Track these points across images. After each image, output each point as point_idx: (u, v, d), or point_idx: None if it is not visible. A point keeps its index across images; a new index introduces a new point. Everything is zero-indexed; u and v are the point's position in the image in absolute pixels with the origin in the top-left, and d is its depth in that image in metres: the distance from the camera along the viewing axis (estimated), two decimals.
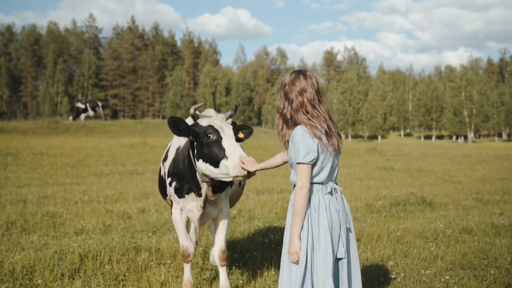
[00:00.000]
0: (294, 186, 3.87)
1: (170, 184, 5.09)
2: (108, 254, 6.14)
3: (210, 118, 4.63)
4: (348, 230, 4.00)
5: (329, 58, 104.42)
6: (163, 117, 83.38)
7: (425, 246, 7.28)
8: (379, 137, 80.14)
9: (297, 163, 3.73)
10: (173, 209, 5.22)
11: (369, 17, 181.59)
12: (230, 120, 6.40)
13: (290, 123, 3.90)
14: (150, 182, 14.57)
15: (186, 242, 5.22)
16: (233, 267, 6.21)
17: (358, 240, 7.55)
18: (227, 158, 4.35)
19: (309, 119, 3.82)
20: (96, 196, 11.57)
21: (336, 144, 3.90)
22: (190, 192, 4.97)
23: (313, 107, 3.86)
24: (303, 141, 3.72)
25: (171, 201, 5.26)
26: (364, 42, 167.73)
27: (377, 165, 22.06)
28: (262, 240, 7.45)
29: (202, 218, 5.12)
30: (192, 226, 6.43)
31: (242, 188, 5.88)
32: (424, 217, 9.60)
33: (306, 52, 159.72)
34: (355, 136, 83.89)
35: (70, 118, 39.68)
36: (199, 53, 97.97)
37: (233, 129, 4.67)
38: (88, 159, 20.44)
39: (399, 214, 9.88)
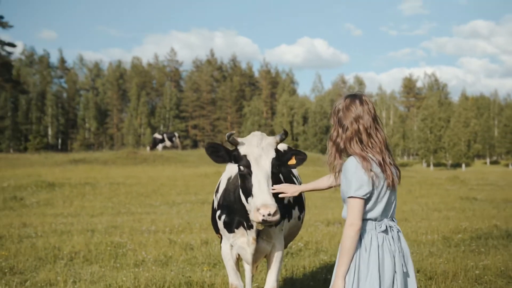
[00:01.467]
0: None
1: (219, 218, 4.78)
2: None
3: (250, 145, 4.28)
4: (406, 274, 3.53)
5: (409, 85, 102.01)
6: None
7: (507, 287, 6.54)
8: (463, 165, 76.74)
9: (348, 197, 3.37)
10: (222, 244, 4.88)
11: (450, 42, 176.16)
12: (285, 146, 6.03)
13: (343, 153, 3.55)
14: None
15: (235, 280, 4.86)
16: None
17: (430, 278, 6.91)
18: (252, 196, 4.07)
19: (362, 149, 3.46)
20: (163, 226, 11.50)
21: (391, 178, 3.49)
22: (240, 227, 4.61)
23: (369, 136, 3.50)
24: (356, 174, 3.37)
25: (221, 236, 4.93)
26: (445, 67, 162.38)
27: (459, 194, 20.84)
28: (325, 276, 6.97)
29: (254, 255, 4.70)
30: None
31: (302, 221, 5.45)
32: (508, 253, 8.74)
33: (385, 79, 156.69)
34: (437, 164, 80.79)
35: (148, 148, 40.71)
36: (276, 83, 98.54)
37: (287, 154, 4.41)
38: (162, 188, 20.65)
39: (480, 249, 9.05)
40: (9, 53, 66.55)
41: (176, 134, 41.12)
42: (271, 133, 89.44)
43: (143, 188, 20.60)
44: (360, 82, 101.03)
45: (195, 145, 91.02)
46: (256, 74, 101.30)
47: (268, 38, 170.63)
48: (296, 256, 8.61)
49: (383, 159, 3.48)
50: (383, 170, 3.45)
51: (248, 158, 4.18)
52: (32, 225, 11.48)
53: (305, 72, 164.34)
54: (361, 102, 3.54)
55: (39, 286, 6.37)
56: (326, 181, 4.05)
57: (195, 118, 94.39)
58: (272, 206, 3.91)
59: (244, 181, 4.19)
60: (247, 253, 4.65)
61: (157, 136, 40.49)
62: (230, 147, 4.43)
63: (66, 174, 24.32)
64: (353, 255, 3.39)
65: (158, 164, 32.29)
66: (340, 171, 3.52)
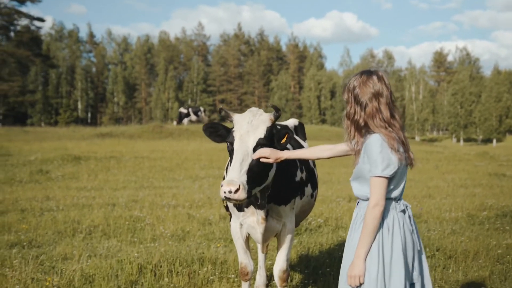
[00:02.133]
0: (359, 200, 3.49)
1: None
2: (170, 265, 5.85)
3: (242, 121, 4.13)
4: (420, 252, 3.48)
5: (439, 59, 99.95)
6: None
7: None
8: (494, 141, 75.30)
9: (374, 177, 3.25)
10: (232, 222, 4.78)
11: (483, 15, 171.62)
12: (296, 121, 5.87)
13: (364, 130, 3.41)
14: None
15: (245, 259, 4.78)
16: (300, 284, 5.69)
17: (450, 257, 6.74)
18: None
19: (386, 127, 3.33)
20: (184, 200, 11.49)
21: (411, 157, 3.43)
22: (250, 205, 4.48)
23: (391, 114, 3.38)
24: (382, 152, 3.25)
25: (231, 214, 4.83)
26: (478, 41, 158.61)
27: (487, 171, 20.38)
28: (341, 254, 6.82)
29: (264, 234, 4.58)
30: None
31: (314, 199, 5.29)
32: None
33: (415, 53, 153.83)
34: (467, 140, 79.43)
35: (174, 122, 40.84)
36: (304, 58, 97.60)
37: (281, 131, 4.19)
38: (186, 163, 20.68)
39: (505, 228, 8.81)
40: (38, 28, 67.13)
41: (202, 109, 41.09)
42: (298, 107, 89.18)
43: (167, 162, 20.66)
44: (389, 56, 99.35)
45: (222, 119, 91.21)
46: (284, 48, 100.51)
47: (296, 11, 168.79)
48: (314, 233, 8.51)
49: (404, 137, 3.40)
50: (406, 150, 3.38)
51: (234, 134, 4.07)
52: (55, 199, 11.59)
53: (333, 46, 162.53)
54: (379, 78, 3.42)
55: (54, 260, 6.40)
56: (324, 151, 3.89)
57: (222, 92, 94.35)
58: (234, 184, 3.78)
59: (230, 157, 4.13)
60: (257, 232, 4.55)
61: (183, 110, 40.52)
62: (230, 125, 4.30)
63: (93, 147, 24.53)
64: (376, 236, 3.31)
65: (183, 139, 32.37)
66: (359, 149, 3.41)
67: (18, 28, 65.90)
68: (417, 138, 71.00)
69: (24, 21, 65.30)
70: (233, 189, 3.76)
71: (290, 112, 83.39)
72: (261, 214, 4.43)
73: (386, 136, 3.28)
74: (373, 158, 3.25)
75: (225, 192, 3.76)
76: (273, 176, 4.25)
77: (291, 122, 5.85)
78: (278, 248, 4.77)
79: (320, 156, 3.92)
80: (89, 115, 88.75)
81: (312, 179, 5.10)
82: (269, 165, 4.09)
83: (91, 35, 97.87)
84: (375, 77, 3.41)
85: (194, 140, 31.71)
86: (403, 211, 3.42)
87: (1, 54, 60.57)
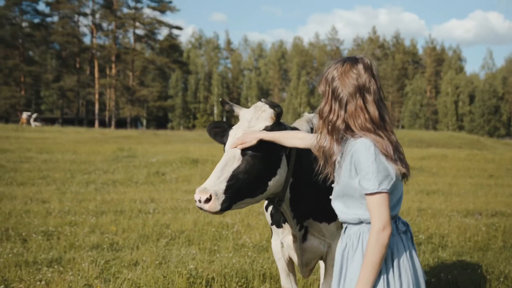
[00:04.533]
0: (347, 225, 2.78)
1: (266, 208, 4.02)
2: (221, 281, 5.46)
3: (242, 118, 3.55)
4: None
5: None
6: (402, 127, 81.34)
7: None
8: None
9: (371, 194, 2.57)
10: (272, 240, 4.17)
11: None
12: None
13: (342, 135, 2.71)
14: None
15: (287, 283, 4.16)
16: None
17: None
18: None
19: (374, 130, 2.62)
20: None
21: (407, 167, 2.71)
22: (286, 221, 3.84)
23: (380, 114, 2.66)
24: (377, 161, 2.55)
25: (271, 229, 4.23)
26: None
27: None
28: (429, 279, 6.02)
29: (304, 255, 3.90)
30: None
31: None
32: None
33: None
34: None
35: None
36: (441, 61, 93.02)
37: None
38: None
39: None
40: (176, 36, 70.68)
41: None
42: (434, 113, 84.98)
43: None
44: None
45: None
46: (420, 52, 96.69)
47: (437, 13, 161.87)
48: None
49: (397, 142, 2.69)
50: (401, 158, 2.67)
51: (230, 133, 3.49)
52: (159, 201, 11.75)
53: (474, 49, 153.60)
54: (366, 68, 2.71)
55: (123, 265, 6.33)
56: (296, 140, 3.21)
57: None
58: (205, 192, 3.16)
59: None
60: (295, 253, 3.92)
61: (307, 115, 40.29)
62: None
63: (213, 151, 24.99)
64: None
65: None
66: (336, 161, 2.73)
67: (159, 37, 69.96)
68: None
69: (164, 30, 69.25)
70: (203, 198, 3.16)
71: (425, 118, 79.88)
72: (295, 230, 3.80)
73: (379, 141, 2.59)
74: (365, 169, 2.56)
75: (195, 200, 3.21)
76: (295, 186, 3.59)
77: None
78: (323, 275, 4.13)
79: (293, 143, 3.23)
80: (224, 119, 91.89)
81: None
82: (267, 172, 3.38)
83: (229, 42, 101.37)
84: (360, 66, 2.71)
85: None
86: (405, 232, 2.75)
87: (143, 61, 64.77)
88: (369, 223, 2.66)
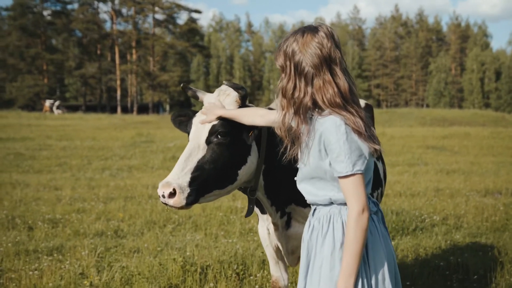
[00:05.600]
0: (316, 207, 2.56)
1: None
2: (217, 268, 5.27)
3: (207, 102, 3.25)
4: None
5: None
6: (427, 106, 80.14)
7: None
8: None
9: (345, 177, 2.35)
10: (259, 226, 3.92)
11: None
12: (362, 102, 4.88)
13: (309, 113, 2.48)
14: None
15: (276, 271, 3.94)
16: None
17: None
18: None
19: (344, 105, 2.38)
20: None
21: (378, 143, 2.46)
22: None
23: (349, 86, 2.42)
24: (348, 140, 2.33)
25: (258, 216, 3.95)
26: None
27: None
28: (438, 263, 5.78)
29: (289, 243, 3.66)
30: None
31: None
32: None
33: None
34: None
35: None
36: (466, 37, 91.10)
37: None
38: None
39: None
40: (195, 19, 70.41)
41: None
42: (459, 91, 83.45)
43: None
44: None
45: (378, 104, 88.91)
46: (444, 29, 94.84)
47: None
48: (424, 232, 7.40)
49: (366, 117, 2.44)
50: (371, 134, 2.44)
51: (193, 121, 3.20)
52: None
53: (501, 24, 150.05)
54: (328, 36, 2.45)
55: (123, 253, 6.20)
56: (256, 117, 2.96)
57: (378, 77, 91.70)
58: (168, 186, 2.91)
59: None
60: (276, 240, 3.68)
61: None
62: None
63: None
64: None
65: None
66: (304, 141, 2.49)
67: (178, 21, 69.78)
68: None
69: (183, 14, 69.05)
70: (166, 192, 2.91)
71: (450, 96, 78.49)
72: (272, 219, 3.56)
73: (350, 118, 2.35)
74: (337, 150, 2.34)
75: (159, 195, 2.96)
76: (269, 172, 3.33)
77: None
78: None
79: (253, 121, 2.97)
80: (247, 102, 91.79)
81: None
82: (236, 160, 3.12)
83: (249, 25, 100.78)
84: (322, 35, 2.44)
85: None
86: (376, 213, 2.54)
87: (163, 46, 64.71)
88: (341, 204, 2.47)
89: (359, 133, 2.36)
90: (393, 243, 6.52)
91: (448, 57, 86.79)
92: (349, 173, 2.33)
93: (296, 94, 2.46)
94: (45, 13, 70.70)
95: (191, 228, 7.80)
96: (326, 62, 2.42)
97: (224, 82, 3.26)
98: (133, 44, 70.92)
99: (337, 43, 2.48)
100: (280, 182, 3.39)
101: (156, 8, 71.06)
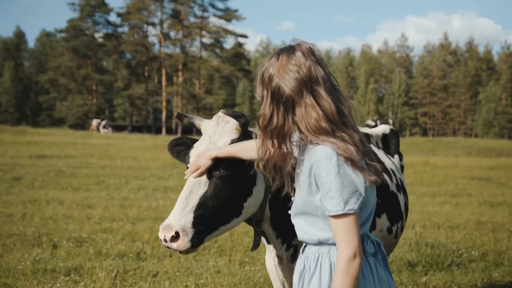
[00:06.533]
0: (306, 245, 2.32)
1: None
2: None
3: (204, 132, 3.02)
4: None
5: None
6: (475, 136, 78.14)
7: None
8: None
9: (336, 217, 2.09)
10: (266, 257, 3.66)
11: None
12: (387, 128, 4.63)
13: (290, 144, 2.25)
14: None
15: None
16: None
17: None
18: None
19: (333, 131, 2.12)
20: None
21: (378, 172, 2.18)
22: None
23: (337, 107, 2.15)
24: (340, 174, 2.06)
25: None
26: None
27: None
28: None
29: (289, 279, 3.35)
30: None
31: (397, 237, 3.84)
32: None
33: None
34: None
35: None
36: None
37: None
38: None
39: None
40: (242, 44, 71.08)
41: (390, 121, 39.41)
42: (509, 121, 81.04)
43: None
44: None
45: (424, 133, 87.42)
46: (495, 58, 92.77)
47: None
48: (460, 268, 6.97)
49: (362, 141, 2.17)
50: (370, 160, 2.16)
51: (191, 153, 2.96)
52: None
53: None
54: (306, 54, 2.19)
55: (141, 277, 6.04)
56: (251, 150, 2.63)
57: (425, 105, 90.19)
58: (169, 229, 2.66)
59: None
60: (281, 275, 3.40)
61: (370, 123, 39.36)
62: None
63: None
64: None
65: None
66: (289, 174, 2.27)
67: (225, 45, 70.64)
68: None
69: (230, 39, 69.89)
70: (168, 236, 2.67)
71: (499, 126, 76.33)
72: (277, 252, 3.30)
73: (341, 146, 2.07)
74: (327, 185, 2.07)
75: (161, 239, 2.71)
76: (275, 201, 3.06)
77: (380, 129, 4.46)
78: None
79: (250, 155, 2.66)
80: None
81: (391, 207, 3.71)
82: (241, 193, 2.86)
83: None
84: (299, 54, 2.18)
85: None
86: (374, 255, 2.25)
87: (209, 69, 65.47)
88: (330, 244, 2.20)
89: (352, 162, 2.08)
90: (424, 278, 6.16)
91: (499, 86, 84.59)
92: (340, 212, 2.07)
93: (274, 123, 2.21)
94: (96, 35, 72.97)
95: (215, 253, 7.58)
96: (306, 85, 2.15)
97: (222, 111, 3.03)
98: (180, 66, 72.00)
99: (319, 60, 2.22)
100: (287, 213, 3.15)
101: (204, 32, 72.18)
